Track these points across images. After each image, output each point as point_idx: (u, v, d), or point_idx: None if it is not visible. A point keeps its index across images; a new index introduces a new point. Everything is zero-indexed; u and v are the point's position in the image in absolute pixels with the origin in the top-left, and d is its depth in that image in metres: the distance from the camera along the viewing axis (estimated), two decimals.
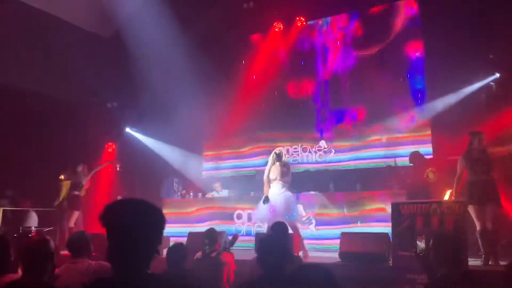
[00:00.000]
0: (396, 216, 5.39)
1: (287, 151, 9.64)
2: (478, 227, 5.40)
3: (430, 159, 7.85)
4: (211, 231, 4.69)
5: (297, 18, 9.80)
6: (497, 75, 7.56)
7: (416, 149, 7.86)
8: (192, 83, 10.29)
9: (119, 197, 8.38)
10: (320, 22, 9.85)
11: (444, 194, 6.25)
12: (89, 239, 3.34)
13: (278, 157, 6.64)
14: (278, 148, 6.98)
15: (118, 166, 9.54)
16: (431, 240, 2.99)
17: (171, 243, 4.46)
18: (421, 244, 3.11)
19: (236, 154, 10.43)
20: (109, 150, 10.53)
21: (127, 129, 10.84)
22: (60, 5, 9.02)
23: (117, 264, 1.52)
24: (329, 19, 9.76)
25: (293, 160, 9.57)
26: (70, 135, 9.09)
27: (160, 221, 1.58)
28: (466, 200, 5.38)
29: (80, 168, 8.35)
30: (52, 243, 2.52)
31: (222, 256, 4.45)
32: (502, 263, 4.94)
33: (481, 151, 5.56)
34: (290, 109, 9.82)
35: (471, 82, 7.71)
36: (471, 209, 5.40)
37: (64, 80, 9.04)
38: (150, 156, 10.36)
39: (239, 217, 8.23)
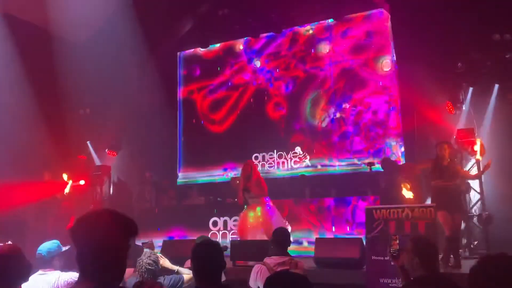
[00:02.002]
0: (370, 221, 5.47)
1: (263, 157, 9.66)
2: (446, 233, 5.58)
3: (402, 165, 8.01)
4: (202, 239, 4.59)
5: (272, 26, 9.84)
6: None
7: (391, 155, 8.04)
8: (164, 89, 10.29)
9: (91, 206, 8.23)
10: (297, 30, 9.93)
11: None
12: (61, 249, 3.26)
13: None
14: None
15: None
16: (409, 244, 3.05)
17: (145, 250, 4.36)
18: (394, 245, 3.18)
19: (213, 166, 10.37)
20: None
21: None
22: (30, 9, 8.80)
23: (90, 278, 1.51)
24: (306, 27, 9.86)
25: (268, 167, 9.60)
26: (39, 143, 8.81)
27: (129, 232, 1.56)
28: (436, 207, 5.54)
29: None
30: (22, 253, 2.43)
31: None
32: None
33: (447, 159, 5.84)
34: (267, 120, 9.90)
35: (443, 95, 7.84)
36: (439, 215, 5.57)
37: (33, 84, 8.80)
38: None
39: (215, 224, 8.19)
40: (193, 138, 10.67)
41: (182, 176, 10.58)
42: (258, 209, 6.75)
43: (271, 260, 3.78)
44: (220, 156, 9.97)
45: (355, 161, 8.82)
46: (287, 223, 7.09)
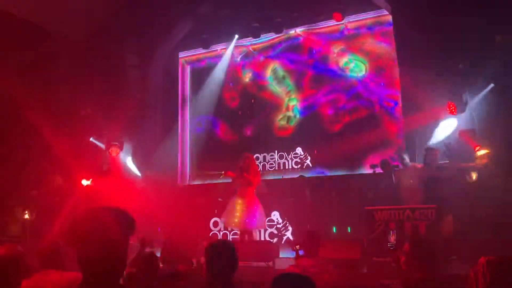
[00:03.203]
0: (370, 222, 5.48)
1: (264, 158, 9.64)
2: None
3: (407, 167, 7.97)
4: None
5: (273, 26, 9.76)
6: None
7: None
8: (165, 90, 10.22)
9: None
10: (297, 32, 9.89)
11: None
12: (62, 249, 3.26)
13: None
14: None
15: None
16: (406, 245, 3.05)
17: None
18: (393, 238, 3.19)
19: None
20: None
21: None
22: (29, 7, 8.79)
23: (91, 277, 1.50)
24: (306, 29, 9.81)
25: (269, 167, 9.60)
26: (39, 145, 8.83)
27: (128, 229, 1.56)
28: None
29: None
30: (21, 253, 2.44)
31: None
32: None
33: (434, 167, 5.81)
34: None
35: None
36: None
37: (34, 85, 8.82)
38: None
39: (216, 225, 8.20)
40: (194, 139, 10.66)
41: (183, 177, 10.60)
42: (247, 198, 6.91)
43: (304, 262, 3.84)
44: (223, 159, 9.92)
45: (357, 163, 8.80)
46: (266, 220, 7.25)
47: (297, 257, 4.35)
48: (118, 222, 1.53)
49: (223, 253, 2.61)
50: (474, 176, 6.58)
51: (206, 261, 2.62)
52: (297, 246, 4.37)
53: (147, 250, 4.00)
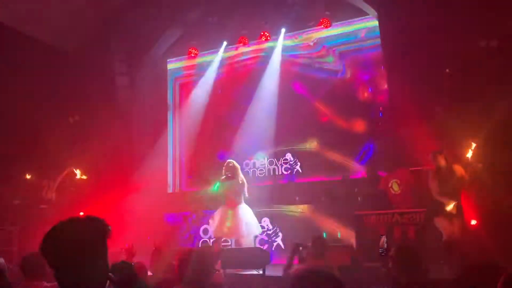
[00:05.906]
0: (360, 227, 5.48)
1: (254, 164, 9.60)
2: (444, 237, 5.53)
3: (394, 172, 8.00)
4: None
5: (262, 33, 9.77)
6: None
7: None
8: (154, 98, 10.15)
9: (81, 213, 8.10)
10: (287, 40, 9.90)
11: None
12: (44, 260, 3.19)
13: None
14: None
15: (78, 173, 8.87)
16: (392, 251, 3.05)
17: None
18: (383, 243, 3.19)
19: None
20: None
21: None
22: (18, 16, 8.72)
23: None
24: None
25: (259, 173, 9.56)
26: (28, 151, 8.71)
27: (103, 238, 1.51)
28: (434, 212, 5.49)
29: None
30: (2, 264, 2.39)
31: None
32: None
33: (447, 170, 5.68)
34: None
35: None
36: (439, 220, 5.52)
37: (24, 93, 8.73)
38: None
39: (205, 232, 8.14)
40: (184, 146, 10.60)
41: (173, 185, 10.53)
42: (237, 207, 6.80)
43: (314, 263, 3.87)
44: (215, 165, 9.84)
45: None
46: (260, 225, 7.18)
47: (302, 259, 4.33)
48: (91, 231, 1.49)
49: (196, 260, 2.55)
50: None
51: (178, 270, 2.56)
52: (301, 248, 4.35)
53: (134, 260, 3.92)
